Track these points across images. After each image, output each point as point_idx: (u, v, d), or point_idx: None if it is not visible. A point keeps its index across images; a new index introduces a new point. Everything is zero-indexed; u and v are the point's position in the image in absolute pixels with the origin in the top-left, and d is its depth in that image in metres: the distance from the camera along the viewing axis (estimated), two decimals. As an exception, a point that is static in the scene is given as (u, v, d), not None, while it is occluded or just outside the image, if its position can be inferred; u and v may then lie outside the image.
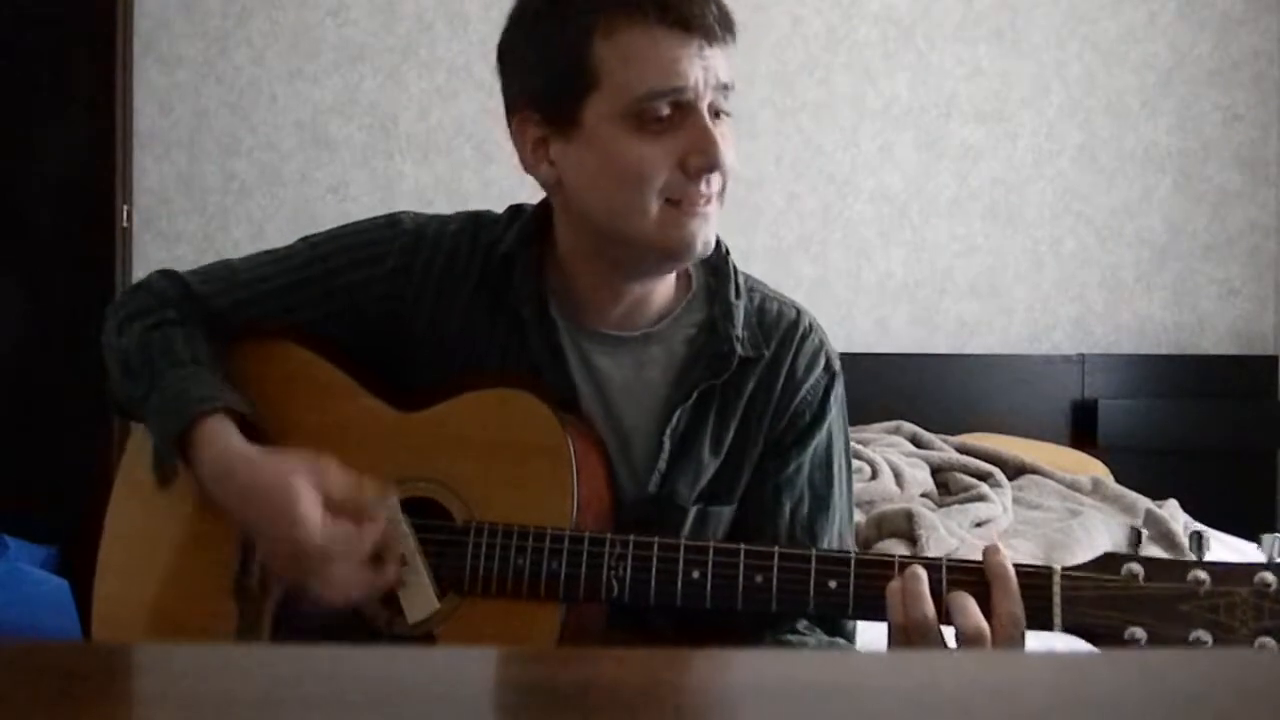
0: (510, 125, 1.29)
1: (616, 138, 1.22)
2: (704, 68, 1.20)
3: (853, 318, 3.46)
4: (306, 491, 1.20)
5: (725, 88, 1.23)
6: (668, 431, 1.30)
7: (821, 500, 1.35)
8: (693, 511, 1.31)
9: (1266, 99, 3.56)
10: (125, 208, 3.29)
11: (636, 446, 1.31)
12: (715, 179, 1.23)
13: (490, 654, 0.79)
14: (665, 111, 1.20)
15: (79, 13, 3.24)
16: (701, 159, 1.21)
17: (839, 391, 1.37)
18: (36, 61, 3.20)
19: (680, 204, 1.22)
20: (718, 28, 1.21)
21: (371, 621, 1.26)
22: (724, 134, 1.24)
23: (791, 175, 3.49)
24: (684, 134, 1.21)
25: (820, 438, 1.35)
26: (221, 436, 1.26)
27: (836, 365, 1.37)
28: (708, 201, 1.23)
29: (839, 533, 1.36)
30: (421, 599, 1.23)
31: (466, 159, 3.41)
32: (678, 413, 1.30)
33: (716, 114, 1.24)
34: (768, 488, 1.33)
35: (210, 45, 3.37)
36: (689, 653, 0.66)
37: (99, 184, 3.24)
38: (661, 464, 1.30)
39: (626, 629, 1.27)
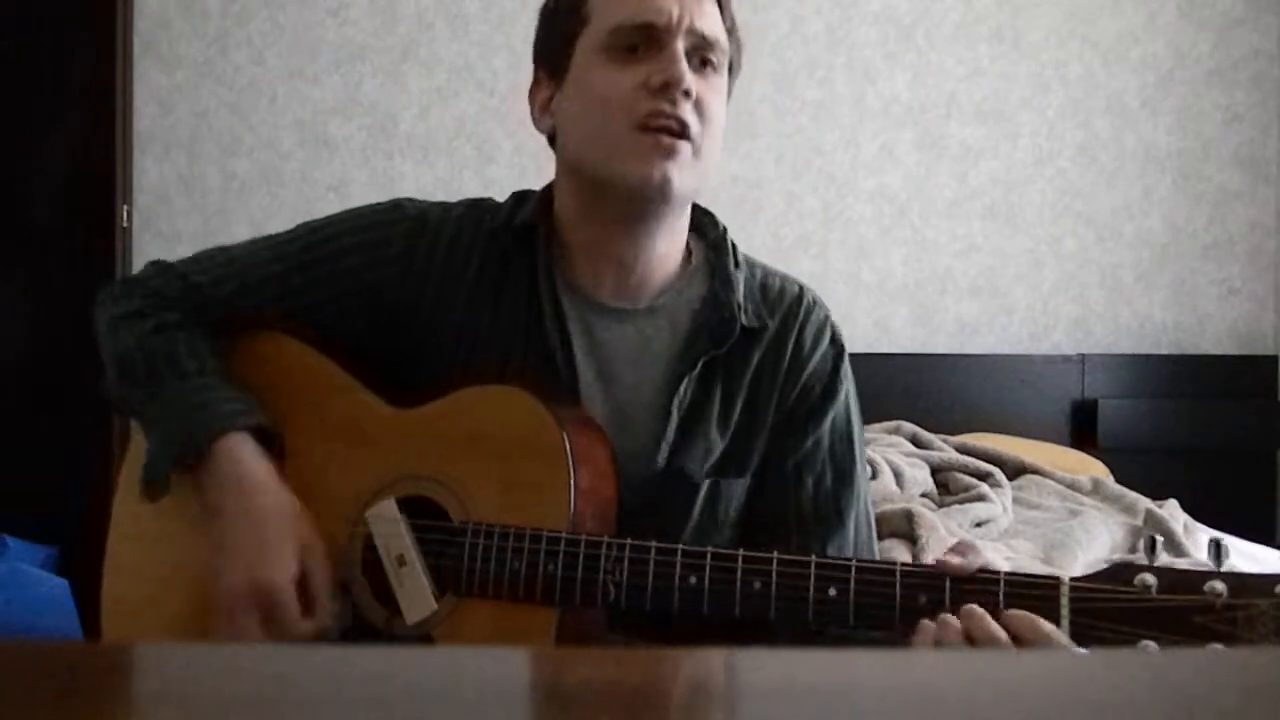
0: (529, 95, 1.36)
1: (593, 68, 1.27)
2: (681, 6, 1.25)
3: (853, 318, 3.46)
4: (291, 545, 1.24)
5: (708, 40, 1.26)
6: (675, 401, 1.29)
7: (845, 474, 1.35)
8: (705, 486, 1.30)
9: (1266, 99, 3.56)
10: (125, 208, 3.29)
11: (642, 421, 1.30)
12: (687, 108, 1.24)
13: (490, 654, 0.79)
14: (636, 41, 1.25)
15: (79, 13, 3.24)
16: (661, 75, 1.23)
17: (847, 366, 1.38)
18: (36, 61, 3.20)
19: (649, 131, 1.23)
20: None
21: (369, 621, 1.25)
22: (714, 85, 1.27)
23: (791, 175, 3.49)
24: (654, 62, 1.25)
25: (838, 410, 1.35)
26: (244, 455, 1.28)
27: (842, 339, 1.38)
28: (678, 127, 1.23)
29: (865, 508, 1.36)
30: (420, 599, 1.23)
31: (466, 159, 3.41)
32: (684, 382, 1.29)
33: (703, 63, 1.27)
34: (788, 466, 1.33)
35: (210, 45, 3.37)
36: (689, 653, 0.66)
37: (99, 184, 3.24)
38: (669, 435, 1.29)
39: (629, 629, 1.26)
